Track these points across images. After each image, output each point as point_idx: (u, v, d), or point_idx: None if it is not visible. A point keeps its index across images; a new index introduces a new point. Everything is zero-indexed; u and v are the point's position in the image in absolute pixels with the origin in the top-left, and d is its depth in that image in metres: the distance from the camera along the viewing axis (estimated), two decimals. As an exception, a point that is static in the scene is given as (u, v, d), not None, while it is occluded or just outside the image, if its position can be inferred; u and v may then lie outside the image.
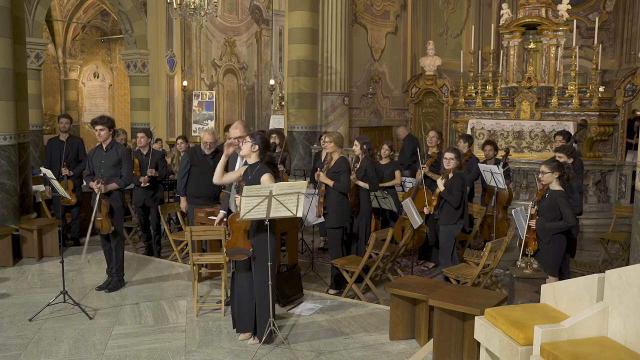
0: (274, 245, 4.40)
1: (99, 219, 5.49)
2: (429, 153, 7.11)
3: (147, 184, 7.01)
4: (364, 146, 6.28)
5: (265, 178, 4.35)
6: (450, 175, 5.69)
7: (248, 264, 4.47)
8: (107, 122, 5.66)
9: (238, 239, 4.40)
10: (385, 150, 7.18)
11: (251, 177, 4.44)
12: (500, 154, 7.65)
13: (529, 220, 4.95)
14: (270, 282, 4.31)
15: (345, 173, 5.71)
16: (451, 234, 5.74)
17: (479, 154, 8.12)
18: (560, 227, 4.83)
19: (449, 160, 5.70)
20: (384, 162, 7.19)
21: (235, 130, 4.99)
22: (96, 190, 5.48)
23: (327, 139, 6.07)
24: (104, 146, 5.70)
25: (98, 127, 5.61)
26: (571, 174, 5.06)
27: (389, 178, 7.09)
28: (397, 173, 7.16)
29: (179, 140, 8.40)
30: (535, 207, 4.97)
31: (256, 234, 4.38)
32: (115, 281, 5.82)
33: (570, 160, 5.53)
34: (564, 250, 5.02)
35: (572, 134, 8.71)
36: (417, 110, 12.82)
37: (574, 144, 7.58)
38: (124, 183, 5.79)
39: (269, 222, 4.24)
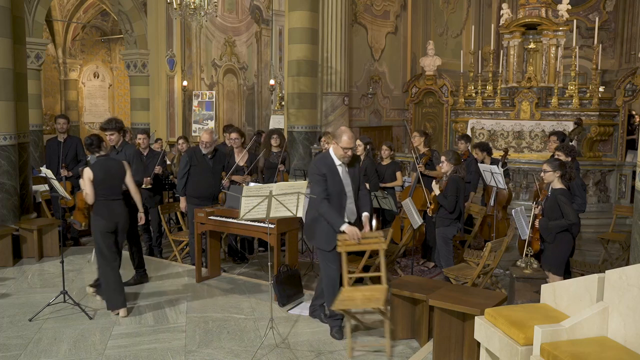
0: (96, 227, 5.05)
1: None
2: (422, 152, 7.14)
3: (150, 185, 7.00)
4: (367, 146, 6.31)
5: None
6: (445, 179, 5.73)
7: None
8: (115, 126, 5.71)
9: (77, 213, 5.62)
10: (385, 150, 7.18)
11: None
12: (499, 154, 7.64)
13: (533, 220, 4.95)
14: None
15: None
16: (446, 236, 5.78)
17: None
18: (562, 225, 4.83)
19: (442, 164, 5.78)
20: (385, 162, 7.20)
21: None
22: None
23: (326, 141, 6.11)
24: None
25: (108, 133, 5.69)
26: (573, 173, 5.07)
27: (389, 178, 7.10)
28: (399, 174, 7.16)
29: (180, 141, 8.40)
30: (539, 207, 4.98)
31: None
32: (139, 276, 6.01)
33: (569, 159, 5.54)
34: (571, 250, 5.03)
35: (568, 133, 8.73)
36: (417, 110, 12.82)
37: (570, 144, 7.58)
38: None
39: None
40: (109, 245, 5.07)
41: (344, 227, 4.41)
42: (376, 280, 4.86)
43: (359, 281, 5.69)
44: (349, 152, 4.46)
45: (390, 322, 4.38)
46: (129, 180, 5.27)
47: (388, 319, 4.30)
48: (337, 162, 4.52)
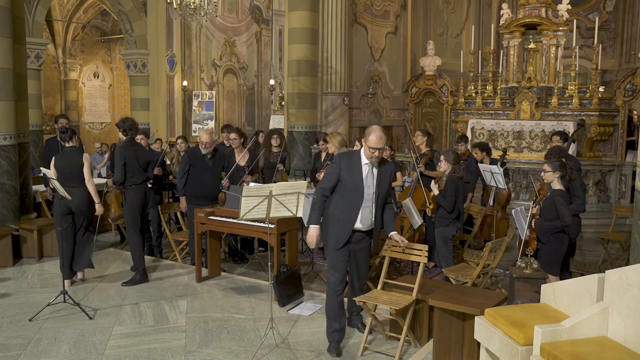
0: (55, 209, 5.79)
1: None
2: (423, 152, 7.13)
3: (150, 185, 6.99)
4: None
5: None
6: (444, 179, 5.74)
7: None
8: (119, 124, 6.16)
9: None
10: (385, 150, 7.17)
11: None
12: (498, 154, 7.64)
13: (530, 220, 4.95)
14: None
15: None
16: (445, 236, 5.79)
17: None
18: (556, 227, 4.82)
19: (440, 163, 5.80)
20: None
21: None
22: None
23: (327, 142, 6.10)
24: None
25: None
26: (573, 175, 5.06)
27: None
28: (399, 174, 7.16)
29: (179, 140, 8.40)
30: (537, 206, 4.97)
31: None
32: (138, 277, 6.03)
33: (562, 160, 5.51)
34: (565, 250, 5.02)
35: (570, 134, 8.71)
36: (417, 110, 12.81)
37: (572, 144, 7.55)
38: (112, 181, 6.13)
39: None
40: (65, 226, 5.76)
41: (312, 227, 4.28)
42: (375, 281, 4.87)
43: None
44: (376, 153, 4.15)
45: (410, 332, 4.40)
46: (85, 172, 5.83)
47: (406, 326, 4.26)
48: (365, 160, 4.24)
